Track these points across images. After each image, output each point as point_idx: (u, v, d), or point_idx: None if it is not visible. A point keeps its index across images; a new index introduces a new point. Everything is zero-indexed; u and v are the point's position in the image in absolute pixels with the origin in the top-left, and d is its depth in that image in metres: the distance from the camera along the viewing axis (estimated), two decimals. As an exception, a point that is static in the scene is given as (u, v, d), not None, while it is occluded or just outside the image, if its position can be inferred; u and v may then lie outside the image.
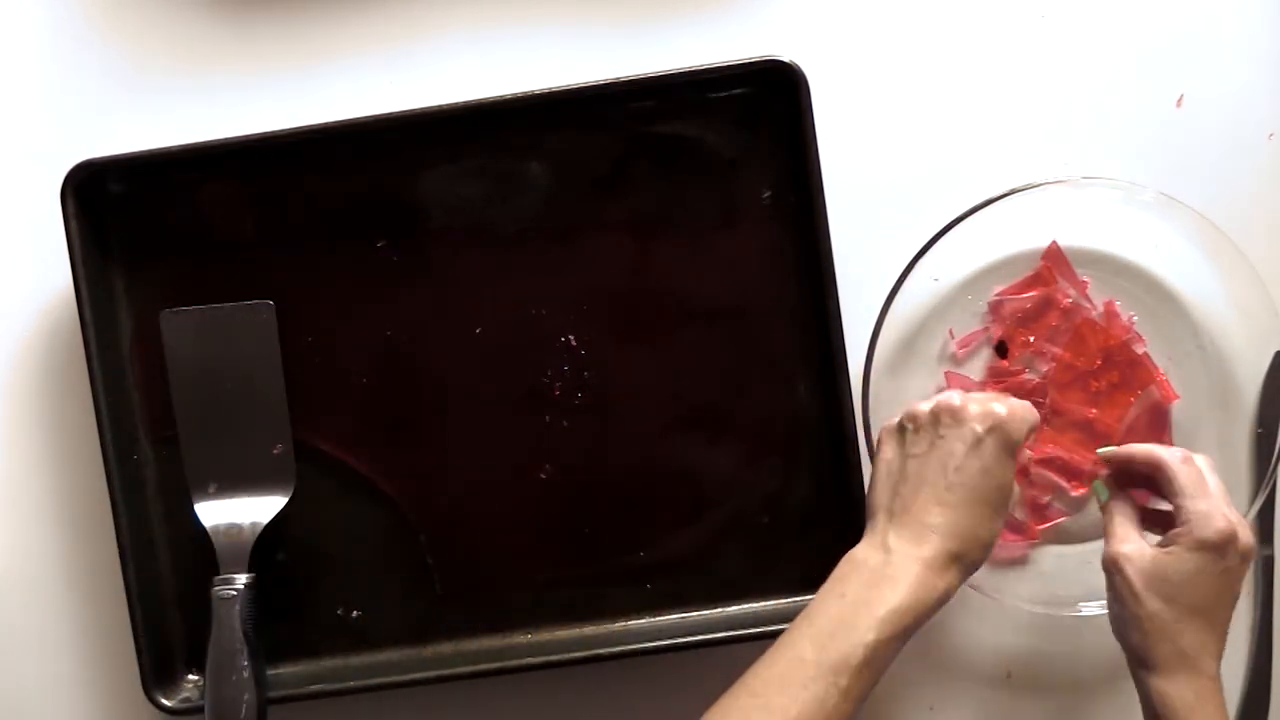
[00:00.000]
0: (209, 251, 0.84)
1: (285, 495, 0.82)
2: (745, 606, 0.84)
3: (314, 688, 0.82)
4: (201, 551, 0.82)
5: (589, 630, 0.84)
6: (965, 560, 0.71)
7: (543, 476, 0.83)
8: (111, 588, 0.83)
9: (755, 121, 0.82)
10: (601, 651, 0.82)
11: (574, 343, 0.83)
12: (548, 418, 0.83)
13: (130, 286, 0.84)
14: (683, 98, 0.82)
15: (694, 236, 0.83)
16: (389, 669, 0.83)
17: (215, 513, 0.81)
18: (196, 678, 0.84)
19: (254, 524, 0.81)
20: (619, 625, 0.84)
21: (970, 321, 0.85)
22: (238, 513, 0.81)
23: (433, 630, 0.84)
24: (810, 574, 0.82)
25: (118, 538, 0.82)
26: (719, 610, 0.84)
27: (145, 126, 0.85)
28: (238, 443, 0.82)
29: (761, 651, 0.66)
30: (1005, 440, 0.72)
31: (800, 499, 0.83)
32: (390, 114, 0.81)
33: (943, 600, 0.70)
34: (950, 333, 0.85)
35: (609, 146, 0.83)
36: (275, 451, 0.82)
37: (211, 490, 0.82)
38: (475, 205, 0.83)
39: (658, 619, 0.84)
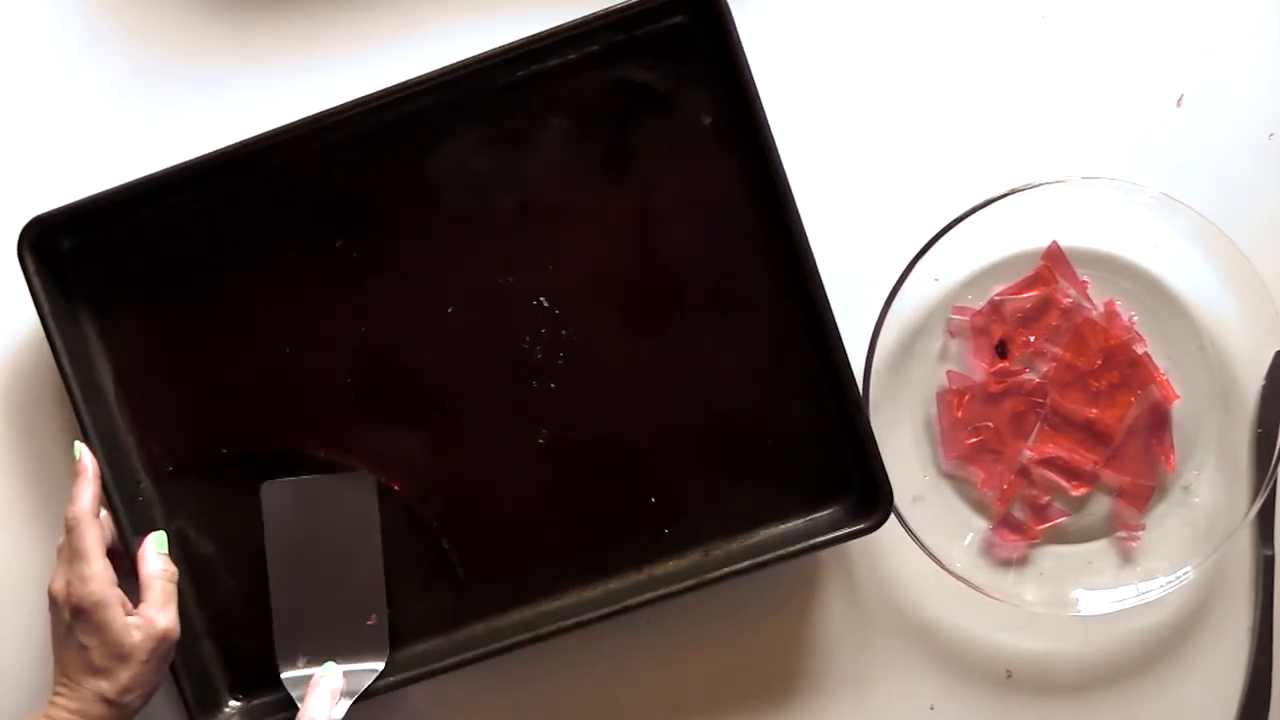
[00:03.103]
0: (174, 282, 0.83)
1: (379, 663, 0.82)
2: (765, 532, 0.83)
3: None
4: (221, 579, 0.83)
5: (614, 585, 0.83)
6: (91, 713, 0.77)
7: (541, 442, 0.83)
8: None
9: (685, 52, 0.81)
10: (631, 602, 0.81)
11: (547, 304, 0.83)
12: (534, 383, 0.83)
13: (103, 332, 0.83)
14: (615, 39, 0.81)
15: (647, 177, 0.82)
16: (425, 659, 0.83)
17: (303, 685, 0.81)
18: (239, 703, 0.84)
19: (348, 693, 0.80)
20: (644, 574, 0.83)
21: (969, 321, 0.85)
22: (322, 662, 0.82)
23: (461, 614, 0.84)
24: (822, 487, 0.83)
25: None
26: (738, 542, 0.83)
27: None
28: (330, 615, 0.82)
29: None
30: (85, 613, 0.76)
31: (797, 418, 0.83)
32: (314, 115, 0.80)
33: None
34: (950, 333, 0.85)
35: (548, 104, 0.82)
36: (369, 623, 0.82)
37: (300, 664, 0.81)
38: (421, 188, 0.83)
39: (681, 561, 0.83)
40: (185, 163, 0.81)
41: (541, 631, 0.82)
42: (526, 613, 0.84)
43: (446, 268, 0.83)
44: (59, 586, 0.77)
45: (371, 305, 0.83)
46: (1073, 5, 0.85)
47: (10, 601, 0.86)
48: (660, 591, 0.82)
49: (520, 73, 0.82)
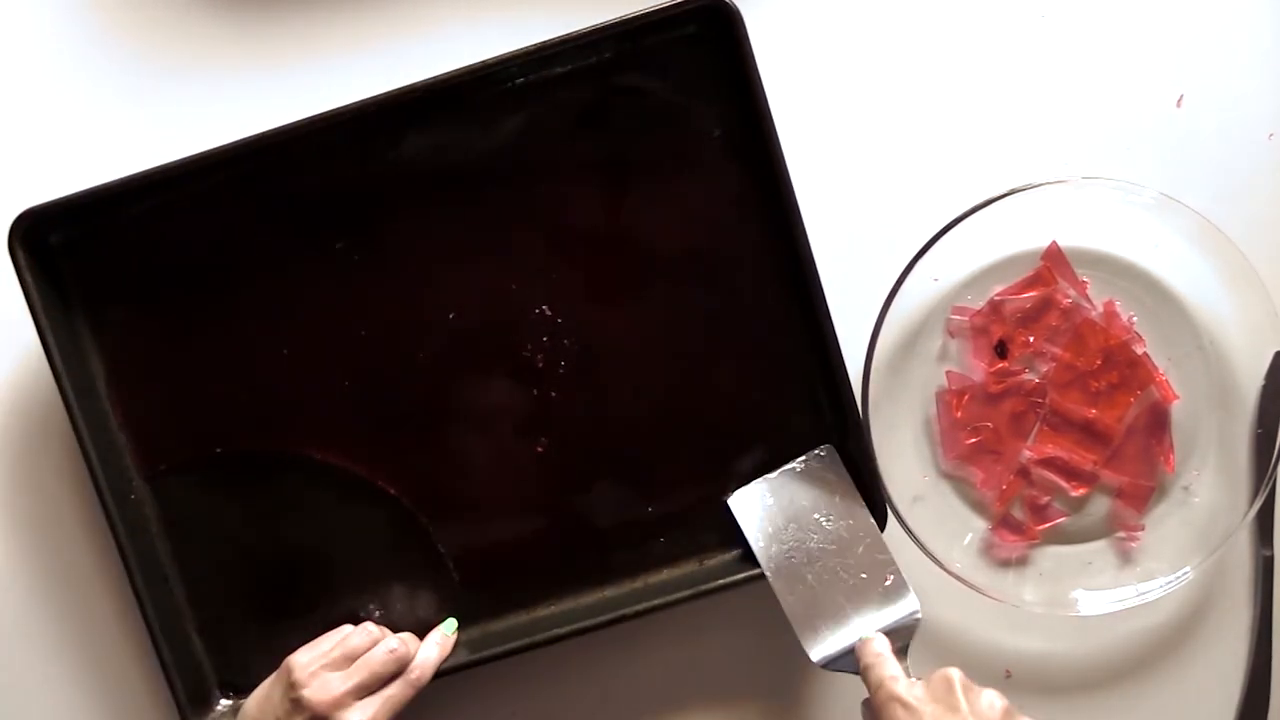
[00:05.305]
0: (169, 279, 0.83)
1: (914, 607, 0.80)
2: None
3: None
4: (213, 578, 0.83)
5: (610, 593, 0.84)
6: None
7: (540, 450, 0.83)
8: (133, 629, 0.84)
9: (698, 64, 0.81)
10: (626, 611, 0.81)
11: (549, 312, 0.83)
12: (535, 390, 0.83)
13: (96, 328, 0.83)
14: (624, 48, 0.81)
15: (653, 188, 0.82)
16: None
17: (834, 643, 0.80)
18: (230, 701, 0.84)
19: (899, 649, 0.78)
20: (639, 583, 0.84)
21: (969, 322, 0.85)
22: (855, 634, 0.80)
23: (457, 617, 0.84)
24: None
25: (130, 580, 0.82)
26: (734, 553, 0.83)
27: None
28: (844, 593, 0.81)
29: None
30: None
31: (797, 433, 0.83)
32: (316, 115, 0.80)
33: None
34: (950, 333, 0.85)
35: (557, 111, 0.82)
36: (887, 583, 0.81)
37: (824, 631, 0.80)
38: (424, 191, 0.82)
39: (676, 571, 0.83)
40: (182, 159, 0.80)
41: (536, 638, 0.82)
42: (521, 618, 0.84)
43: (449, 272, 0.83)
44: (303, 665, 0.78)
45: (371, 308, 0.83)
46: (1073, 5, 0.85)
47: (4, 601, 0.86)
48: (656, 601, 0.81)
49: (531, 78, 0.81)
